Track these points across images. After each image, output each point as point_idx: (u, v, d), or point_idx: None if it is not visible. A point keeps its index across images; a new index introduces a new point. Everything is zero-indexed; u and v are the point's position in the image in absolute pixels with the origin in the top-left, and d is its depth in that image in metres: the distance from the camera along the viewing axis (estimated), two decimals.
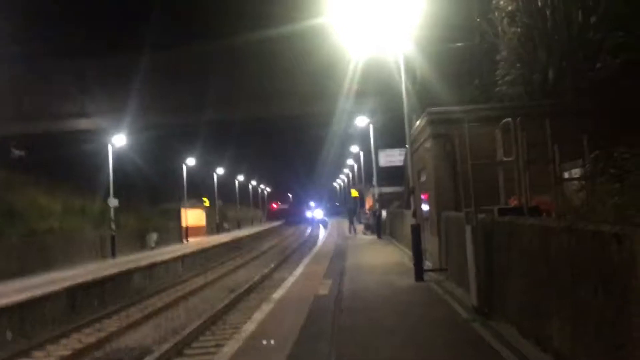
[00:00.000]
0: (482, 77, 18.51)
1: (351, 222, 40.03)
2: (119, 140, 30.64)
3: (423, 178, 17.16)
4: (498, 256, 8.92)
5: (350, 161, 64.28)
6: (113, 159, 31.19)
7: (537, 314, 7.09)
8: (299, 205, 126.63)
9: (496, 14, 16.73)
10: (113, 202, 30.64)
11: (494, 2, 16.64)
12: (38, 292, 16.47)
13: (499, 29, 16.87)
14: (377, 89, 24.65)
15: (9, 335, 14.51)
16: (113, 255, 29.53)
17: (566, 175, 10.27)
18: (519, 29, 16.14)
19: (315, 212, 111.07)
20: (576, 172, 10.21)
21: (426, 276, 14.14)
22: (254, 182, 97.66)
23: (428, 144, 15.19)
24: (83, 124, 24.70)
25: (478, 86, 18.43)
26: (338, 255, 23.02)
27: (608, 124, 11.45)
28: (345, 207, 66.55)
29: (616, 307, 4.84)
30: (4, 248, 22.14)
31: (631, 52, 13.64)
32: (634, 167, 7.08)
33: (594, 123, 11.37)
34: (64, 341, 14.08)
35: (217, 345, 11.38)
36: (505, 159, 10.66)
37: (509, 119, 9.66)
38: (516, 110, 11.60)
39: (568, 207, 8.53)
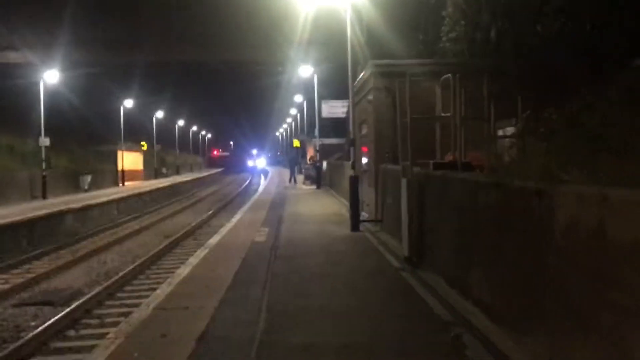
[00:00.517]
0: (427, 32, 18.57)
1: (292, 172, 40.13)
2: (51, 77, 29.20)
3: (364, 130, 17.29)
4: (430, 209, 9.18)
5: (293, 111, 63.91)
6: (46, 96, 29.80)
7: (462, 264, 7.40)
8: (241, 153, 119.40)
9: None
10: (44, 141, 29.44)
11: None
12: None
13: None
14: (324, 39, 24.42)
15: None
16: (44, 196, 28.60)
17: (500, 133, 10.59)
18: None
19: (257, 161, 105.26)
20: (510, 131, 10.54)
21: (362, 227, 14.43)
22: (194, 128, 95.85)
23: (370, 96, 15.25)
24: (11, 57, 23.33)
25: (423, 41, 18.50)
26: (277, 204, 23.13)
27: (542, 85, 11.78)
28: (287, 156, 66.64)
29: (534, 259, 5.09)
30: None
31: (570, 16, 13.96)
32: (560, 128, 7.36)
33: (529, 85, 11.68)
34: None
35: (150, 289, 11.33)
36: (443, 114, 10.87)
37: (449, 75, 9.78)
38: (457, 67, 11.75)
39: (499, 163, 8.82)
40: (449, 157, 10.80)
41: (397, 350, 5.80)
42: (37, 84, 29.50)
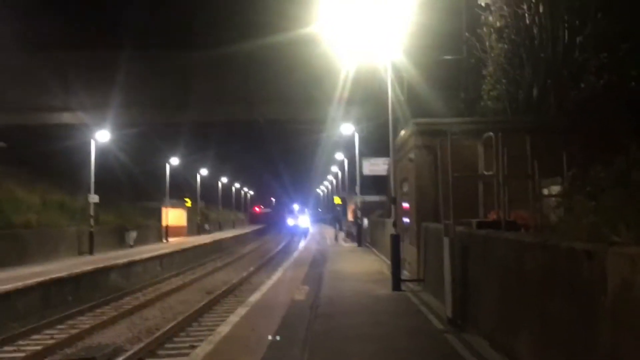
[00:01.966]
0: (467, 90, 18.68)
1: (336, 229, 40.36)
2: (102, 136, 30.40)
3: (405, 188, 17.23)
4: (474, 269, 8.98)
5: (334, 168, 64.35)
6: (96, 154, 30.91)
7: (508, 327, 7.15)
8: (282, 209, 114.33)
9: (485, 29, 16.90)
10: (93, 198, 30.32)
11: (482, 17, 16.81)
12: (11, 286, 16.24)
13: (487, 44, 17.05)
14: (365, 97, 24.77)
15: None
16: (91, 252, 29.20)
17: (545, 191, 10.40)
18: (506, 46, 16.32)
19: (300, 219, 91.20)
20: (555, 189, 10.34)
21: (404, 286, 14.18)
22: (237, 185, 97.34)
23: (412, 155, 15.27)
24: (66, 118, 24.46)
25: (463, 99, 18.60)
26: (317, 261, 23.02)
27: (587, 143, 11.60)
28: (330, 214, 67.18)
29: (585, 323, 4.89)
30: None
31: (613, 74, 13.86)
32: (608, 186, 7.18)
33: (574, 141, 11.52)
34: (35, 336, 13.89)
35: (191, 347, 11.30)
36: (486, 172, 10.77)
37: (491, 133, 9.74)
38: (499, 125, 11.72)
39: (545, 223, 8.62)
40: (492, 216, 10.62)
41: None
42: (88, 144, 30.69)
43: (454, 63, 19.47)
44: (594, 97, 14.42)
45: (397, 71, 17.11)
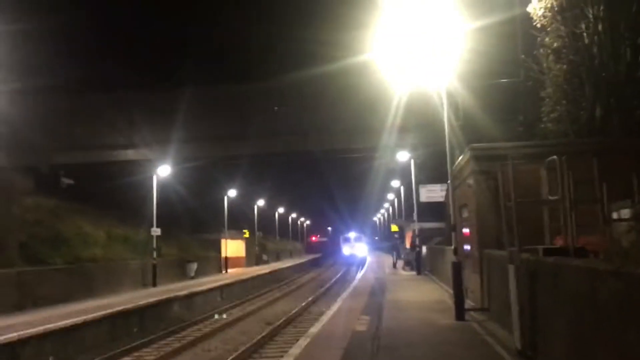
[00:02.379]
0: (526, 113, 18.30)
1: (394, 258, 40.02)
2: (163, 171, 31.38)
3: (465, 214, 16.91)
4: (542, 298, 8.65)
5: (390, 195, 63.97)
6: (157, 189, 31.87)
7: (582, 358, 6.82)
8: (338, 237, 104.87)
9: (541, 50, 16.59)
10: (155, 231, 31.18)
11: (539, 39, 16.52)
12: (80, 319, 16.77)
13: (544, 65, 16.72)
14: (419, 123, 24.60)
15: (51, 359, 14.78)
16: (154, 284, 29.90)
17: (614, 215, 9.98)
18: (564, 66, 15.96)
19: (356, 247, 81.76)
20: (625, 213, 9.91)
21: (467, 315, 13.81)
22: (294, 215, 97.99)
23: (471, 180, 15.02)
24: (130, 154, 25.38)
25: (522, 123, 18.22)
26: (376, 290, 22.75)
27: None
28: (387, 242, 66.52)
29: None
30: (50, 274, 22.70)
31: None
32: None
33: None
34: None
35: None
36: (550, 197, 10.45)
37: (555, 157, 9.47)
38: (562, 148, 11.43)
39: (616, 248, 8.25)
40: (558, 242, 10.26)
41: None
42: (151, 179, 31.72)
43: (511, 86, 19.17)
44: None
45: (451, 97, 16.96)
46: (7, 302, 19.52)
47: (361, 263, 56.63)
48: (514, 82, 19.07)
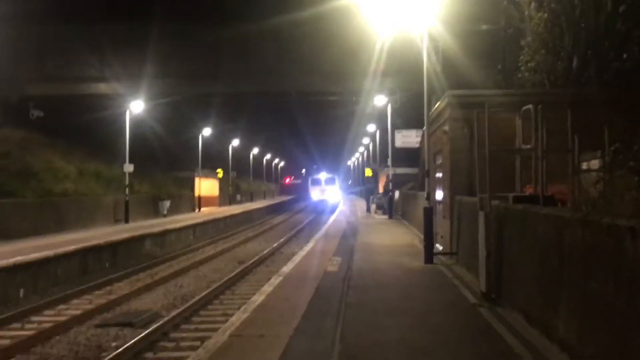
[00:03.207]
0: (505, 61, 18.26)
1: (368, 202, 40.49)
2: (136, 107, 30.79)
3: (439, 161, 17.06)
4: (510, 243, 8.88)
5: (366, 140, 64.04)
6: (130, 125, 31.36)
7: (545, 303, 7.08)
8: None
9: None
10: (128, 167, 30.89)
11: None
12: (51, 252, 16.73)
13: (526, 13, 16.57)
14: (400, 68, 24.43)
15: (21, 292, 14.78)
16: (126, 220, 29.85)
17: (584, 166, 10.18)
18: (545, 15, 15.83)
19: (327, 191, 65.17)
20: (595, 164, 10.11)
21: (436, 259, 14.16)
22: (268, 156, 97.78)
23: (446, 127, 15.06)
24: (101, 88, 24.81)
25: (500, 71, 18.19)
26: (348, 233, 23.09)
27: (630, 116, 11.27)
28: (360, 186, 66.89)
29: (627, 301, 4.80)
30: (20, 207, 22.46)
31: None
32: None
33: (616, 115, 11.20)
34: (74, 301, 14.34)
35: (224, 315, 11.52)
36: (523, 146, 10.57)
37: (530, 105, 9.53)
38: (539, 97, 11.45)
39: (585, 198, 8.45)
40: (528, 190, 10.46)
41: None
42: (124, 114, 31.14)
43: (492, 33, 19.01)
44: (637, 69, 13.95)
45: (433, 41, 16.79)
46: None
47: (332, 211, 46.68)
48: (495, 29, 18.92)
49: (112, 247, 20.36)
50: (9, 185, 23.52)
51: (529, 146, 9.71)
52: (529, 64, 16.43)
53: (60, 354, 9.96)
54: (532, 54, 16.42)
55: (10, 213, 21.56)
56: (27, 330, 11.46)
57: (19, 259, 15.21)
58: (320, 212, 51.23)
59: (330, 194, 63.63)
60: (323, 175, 68.65)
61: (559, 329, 6.52)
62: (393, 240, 20.13)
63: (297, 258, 15.65)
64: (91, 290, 15.54)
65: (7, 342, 10.51)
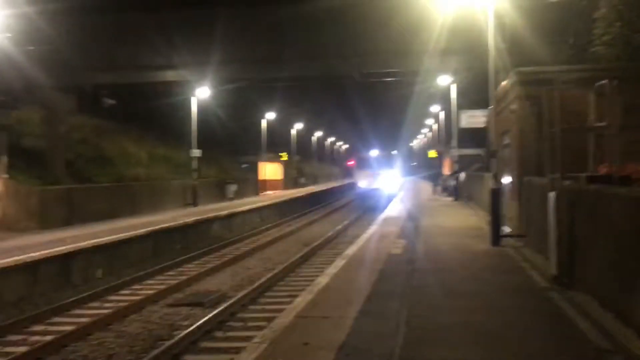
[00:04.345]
0: (577, 35, 17.42)
1: (435, 185, 40.10)
2: (202, 93, 31.51)
3: (506, 141, 16.58)
4: (582, 226, 8.55)
5: (430, 121, 63.00)
6: (197, 111, 32.13)
7: (621, 286, 6.80)
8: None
9: None
10: (195, 152, 31.71)
11: None
12: (126, 235, 17.48)
13: None
14: (463, 47, 23.76)
15: (99, 272, 15.56)
16: (194, 204, 30.73)
17: None
18: None
19: (381, 175, 49.95)
20: None
21: (503, 241, 13.83)
22: (332, 139, 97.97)
23: (514, 106, 14.59)
24: (169, 75, 25.46)
25: (572, 46, 17.38)
26: (413, 216, 22.88)
27: None
28: (425, 168, 65.55)
29: None
30: (96, 192, 23.55)
31: None
32: None
33: None
34: (148, 281, 14.95)
35: (290, 296, 11.71)
36: (597, 124, 10.12)
37: (605, 81, 9.09)
38: (613, 73, 10.90)
39: None
40: (602, 170, 10.02)
41: None
42: (190, 100, 31.94)
43: (562, 6, 18.15)
44: None
45: (498, 17, 16.21)
46: (56, 217, 20.45)
47: (385, 206, 30.70)
48: (566, 2, 18.05)
49: (182, 230, 21.05)
50: (86, 172, 24.73)
51: (603, 123, 9.28)
52: (603, 38, 15.62)
53: (136, 332, 10.43)
54: (607, 26, 15.58)
55: (87, 197, 22.66)
56: (105, 309, 12.06)
57: (96, 241, 15.99)
58: (367, 209, 35.38)
59: (386, 180, 46.30)
60: (374, 154, 52.16)
61: (636, 314, 6.25)
62: (458, 222, 19.80)
63: (360, 241, 15.66)
64: (163, 271, 16.16)
65: (87, 319, 11.10)
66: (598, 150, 10.36)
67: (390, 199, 33.40)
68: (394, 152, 49.88)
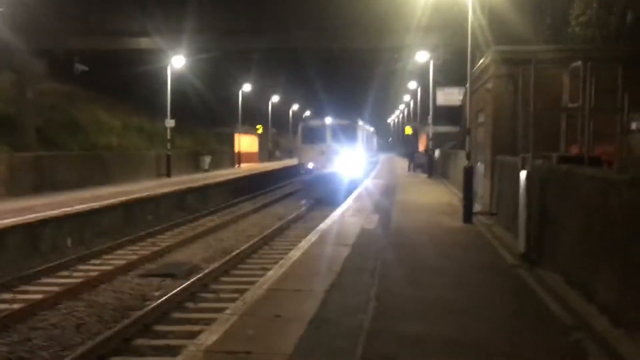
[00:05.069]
0: (554, 16, 17.51)
1: (410, 161, 40.30)
2: (177, 62, 30.96)
3: (481, 119, 16.70)
4: (551, 205, 8.69)
5: (406, 97, 63.09)
6: (171, 80, 31.61)
7: (587, 265, 6.95)
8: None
9: None
10: (170, 122, 31.29)
11: None
12: (97, 204, 17.25)
13: None
14: (443, 23, 23.76)
15: (69, 242, 15.37)
16: (168, 174, 30.44)
17: (634, 126, 9.80)
18: None
19: (338, 154, 27.34)
20: None
21: (475, 219, 14.01)
22: (307, 113, 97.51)
23: (490, 84, 14.67)
24: (144, 42, 24.95)
25: (550, 25, 17.47)
26: (387, 192, 23.01)
27: None
28: (401, 145, 65.56)
29: None
30: (67, 159, 23.12)
31: None
32: None
33: None
34: (119, 251, 14.83)
35: (262, 269, 11.74)
36: (570, 105, 10.23)
37: (579, 62, 9.16)
38: (588, 54, 10.98)
39: (632, 160, 8.17)
40: (574, 150, 10.18)
41: (510, 352, 5.56)
42: (165, 69, 31.38)
43: None
44: None
45: None
46: (25, 184, 20.05)
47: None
48: None
49: (155, 200, 20.86)
50: (57, 139, 24.23)
51: (576, 105, 9.38)
52: (579, 18, 15.73)
53: (107, 301, 10.36)
54: (584, 7, 15.69)
55: (58, 165, 22.24)
56: (74, 278, 11.94)
57: (66, 210, 15.76)
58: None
59: (346, 160, 28.20)
60: (328, 122, 29.55)
61: (600, 292, 6.41)
62: (432, 199, 19.99)
63: (334, 215, 15.71)
64: (135, 241, 16.02)
65: (56, 288, 10.98)
66: (570, 131, 10.49)
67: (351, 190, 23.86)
68: (360, 122, 31.84)
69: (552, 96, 11.50)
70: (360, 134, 29.05)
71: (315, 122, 28.95)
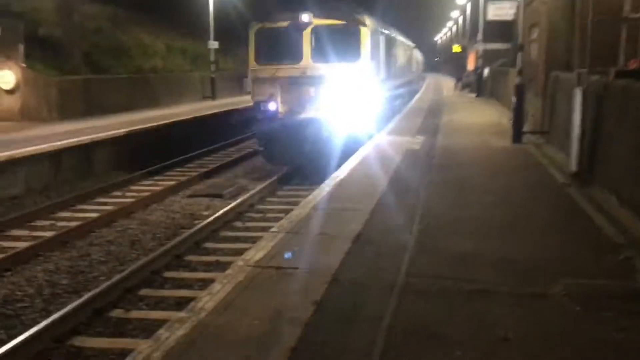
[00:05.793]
0: None
1: (457, 80, 39.32)
2: None
3: (534, 34, 15.91)
4: (607, 123, 8.33)
5: (455, 13, 60.54)
6: (214, 2, 31.06)
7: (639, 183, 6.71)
8: None
9: None
10: (213, 44, 31.03)
11: None
12: (153, 124, 17.63)
13: None
14: None
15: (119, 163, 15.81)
16: (213, 96, 30.53)
17: None
18: None
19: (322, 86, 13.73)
20: None
21: (524, 138, 13.65)
22: None
23: None
24: None
25: None
26: (433, 112, 22.57)
27: None
28: (449, 64, 63.78)
29: None
30: (114, 83, 23.39)
31: None
32: None
33: None
34: (168, 173, 15.21)
35: (308, 190, 11.85)
36: (632, 15, 9.59)
37: None
38: None
39: None
40: (633, 65, 9.62)
41: (559, 269, 5.50)
42: None
43: None
44: None
45: None
46: (75, 108, 20.48)
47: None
48: None
49: (202, 122, 21.07)
50: (103, 63, 24.42)
51: (638, 15, 8.78)
52: None
53: (159, 220, 10.73)
54: None
55: (106, 89, 22.54)
56: (127, 198, 12.36)
57: (123, 130, 16.16)
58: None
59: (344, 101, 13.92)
60: (307, 21, 13.74)
61: None
62: (480, 119, 19.52)
63: (379, 136, 15.55)
64: (184, 163, 16.38)
65: (111, 207, 11.42)
66: (631, 44, 9.88)
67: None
68: (372, 23, 14.45)
69: (610, 8, 10.77)
70: (372, 44, 14.51)
71: (279, 21, 14.54)
